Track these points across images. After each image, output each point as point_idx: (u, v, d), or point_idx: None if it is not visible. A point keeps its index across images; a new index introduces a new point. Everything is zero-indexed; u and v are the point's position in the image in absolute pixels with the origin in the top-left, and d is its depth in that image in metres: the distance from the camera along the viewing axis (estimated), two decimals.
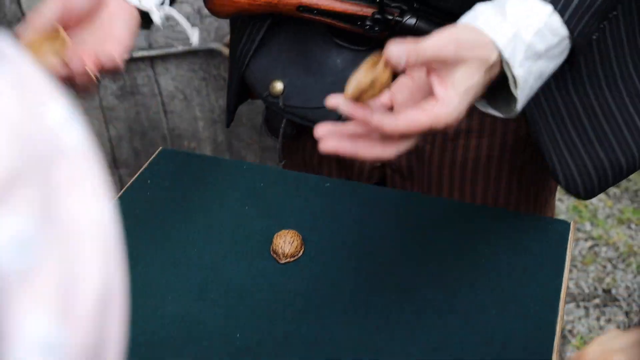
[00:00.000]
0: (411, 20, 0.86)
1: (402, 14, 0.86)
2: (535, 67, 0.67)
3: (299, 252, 0.86)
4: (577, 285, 1.94)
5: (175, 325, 0.79)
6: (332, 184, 0.97)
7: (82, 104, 1.82)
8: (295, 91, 0.95)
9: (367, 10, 0.86)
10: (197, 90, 1.80)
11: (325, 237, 0.89)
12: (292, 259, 0.85)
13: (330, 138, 0.64)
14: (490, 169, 0.97)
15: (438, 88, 0.63)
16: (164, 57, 1.75)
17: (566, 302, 1.86)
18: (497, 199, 0.99)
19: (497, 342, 0.75)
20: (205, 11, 1.67)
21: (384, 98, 0.67)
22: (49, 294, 0.23)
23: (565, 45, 0.69)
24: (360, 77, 0.64)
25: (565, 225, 0.88)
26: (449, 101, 0.63)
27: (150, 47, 1.73)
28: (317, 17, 0.88)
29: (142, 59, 1.75)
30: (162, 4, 0.89)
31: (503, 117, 0.72)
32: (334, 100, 0.65)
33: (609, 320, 1.84)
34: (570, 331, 1.82)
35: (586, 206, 2.15)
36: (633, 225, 2.10)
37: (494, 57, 0.65)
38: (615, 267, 1.98)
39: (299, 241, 0.86)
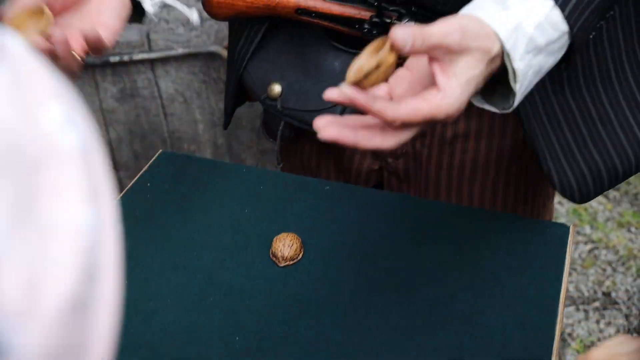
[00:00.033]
0: (409, 24, 0.86)
1: (399, 18, 0.86)
2: (535, 61, 0.67)
3: (298, 255, 0.86)
4: (577, 289, 1.94)
5: (174, 328, 0.79)
6: (332, 187, 0.97)
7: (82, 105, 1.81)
8: (293, 94, 0.95)
9: (365, 14, 0.86)
10: (197, 93, 1.80)
11: (325, 240, 0.89)
12: (291, 262, 0.85)
13: (330, 127, 0.63)
14: (487, 172, 0.97)
15: (440, 77, 0.63)
16: (164, 60, 1.75)
17: (566, 305, 1.86)
18: (495, 202, 0.99)
19: (496, 345, 0.75)
20: (205, 14, 1.68)
21: (382, 90, 0.66)
22: (11, 290, 0.22)
23: (565, 41, 0.68)
24: (363, 61, 0.62)
25: (564, 229, 0.88)
26: (451, 91, 0.62)
27: (150, 49, 1.73)
28: (315, 20, 0.88)
29: (142, 62, 1.75)
30: None
31: (498, 112, 0.72)
32: (334, 91, 0.63)
33: (608, 324, 1.84)
34: (569, 334, 1.82)
35: (586, 209, 2.15)
36: (633, 229, 2.10)
37: (496, 48, 0.64)
38: (615, 270, 1.98)
39: (298, 244, 0.86)
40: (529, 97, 0.79)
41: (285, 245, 0.85)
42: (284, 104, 0.95)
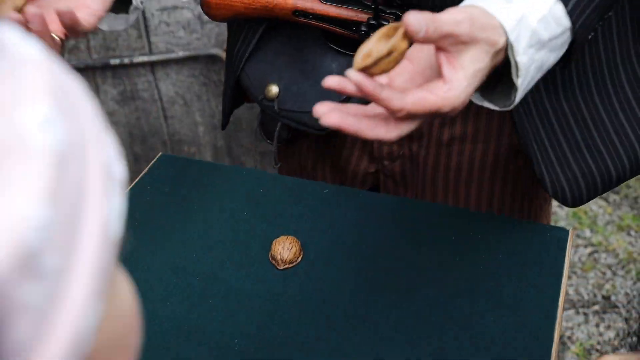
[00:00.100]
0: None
1: (396, 20, 0.86)
2: (537, 56, 0.66)
3: (298, 258, 0.86)
4: (577, 292, 1.94)
5: (173, 331, 0.79)
6: (331, 190, 0.97)
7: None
8: (290, 95, 0.95)
9: (362, 16, 0.86)
10: (198, 95, 1.80)
11: (324, 243, 0.89)
12: (290, 265, 0.85)
13: (332, 113, 0.62)
14: (484, 175, 0.97)
15: (447, 69, 0.62)
16: (164, 63, 1.75)
17: (566, 309, 1.86)
18: (491, 205, 0.99)
19: (495, 349, 0.75)
20: (206, 17, 1.68)
21: (382, 81, 0.65)
22: None
23: (567, 37, 0.68)
24: (373, 46, 0.60)
25: (564, 233, 0.88)
26: (458, 83, 0.62)
27: (150, 52, 1.73)
28: (312, 22, 0.88)
29: (142, 64, 1.75)
30: None
31: (498, 110, 0.71)
32: (334, 79, 0.62)
33: (608, 327, 1.84)
34: (569, 338, 1.82)
35: (586, 212, 2.15)
36: (633, 232, 2.10)
37: (502, 41, 0.64)
38: (614, 273, 1.98)
39: (297, 247, 0.86)
40: (522, 100, 0.79)
41: (285, 248, 0.85)
42: (281, 105, 0.95)
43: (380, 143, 0.98)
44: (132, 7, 0.91)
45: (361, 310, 0.80)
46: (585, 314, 1.88)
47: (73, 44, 1.74)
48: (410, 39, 0.60)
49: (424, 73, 0.66)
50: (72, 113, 0.28)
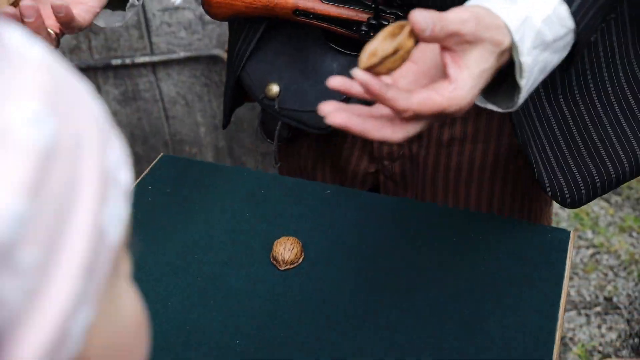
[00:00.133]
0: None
1: (397, 20, 0.86)
2: (541, 57, 0.66)
3: (299, 259, 0.86)
4: (579, 293, 1.93)
5: (174, 332, 0.79)
6: (332, 191, 0.97)
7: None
8: (290, 94, 0.95)
9: (363, 16, 0.87)
10: (199, 96, 1.80)
11: (325, 244, 0.89)
12: (292, 266, 0.85)
13: (338, 112, 0.61)
14: (484, 175, 0.97)
15: (452, 69, 0.61)
16: (166, 63, 1.75)
17: (567, 310, 1.86)
18: (491, 205, 0.99)
19: (496, 350, 0.75)
20: (207, 18, 1.68)
21: (387, 81, 0.64)
22: None
23: (570, 39, 0.68)
24: (379, 45, 0.59)
25: (565, 234, 0.87)
26: (463, 83, 0.61)
27: (152, 52, 1.73)
28: (313, 22, 0.89)
29: (144, 65, 1.75)
30: None
31: (501, 112, 0.71)
32: (337, 79, 0.61)
33: (610, 329, 1.84)
34: (571, 339, 1.82)
35: (588, 214, 2.15)
36: (634, 234, 2.09)
37: (507, 41, 0.63)
38: (616, 275, 1.98)
39: (298, 248, 0.86)
40: (535, 88, 0.78)
41: (286, 249, 0.85)
42: (282, 104, 0.95)
43: (382, 143, 0.98)
44: (128, 4, 0.91)
45: (362, 311, 0.80)
46: (587, 315, 1.88)
47: (75, 44, 1.74)
48: (417, 38, 0.59)
49: (428, 73, 0.65)
50: (69, 113, 0.28)
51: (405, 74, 0.65)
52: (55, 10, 0.76)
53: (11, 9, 0.74)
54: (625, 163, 0.88)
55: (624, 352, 1.79)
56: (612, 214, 2.15)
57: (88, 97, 0.30)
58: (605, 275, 1.98)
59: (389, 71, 0.60)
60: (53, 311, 0.26)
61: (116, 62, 1.73)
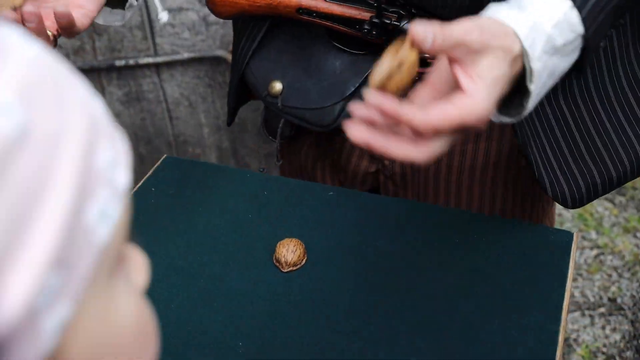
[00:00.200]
0: (408, 26, 0.86)
1: (399, 19, 0.86)
2: (550, 62, 0.65)
3: (302, 260, 0.86)
4: (583, 294, 1.93)
5: (177, 333, 0.79)
6: (335, 192, 0.97)
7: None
8: (293, 92, 0.96)
9: (365, 14, 0.87)
10: (203, 97, 1.80)
11: (328, 245, 0.89)
12: (294, 268, 0.85)
13: (360, 129, 0.60)
14: (486, 176, 0.97)
15: (464, 80, 0.60)
16: (170, 64, 1.75)
17: (571, 311, 1.86)
18: (494, 205, 0.99)
19: (500, 352, 0.75)
20: (211, 19, 1.68)
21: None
22: None
23: (578, 44, 0.67)
24: (384, 62, 0.60)
25: (568, 236, 0.87)
26: (477, 93, 0.60)
27: (156, 53, 1.73)
28: (316, 20, 0.89)
29: (147, 66, 1.75)
30: None
31: (513, 121, 0.70)
32: (357, 106, 0.60)
33: (614, 330, 1.84)
34: (575, 340, 1.82)
35: (592, 214, 2.15)
36: (639, 234, 2.09)
37: (517, 47, 0.62)
38: (620, 275, 1.97)
39: (301, 250, 0.86)
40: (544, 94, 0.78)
41: (289, 251, 0.85)
42: (285, 101, 0.96)
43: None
44: (127, 4, 0.91)
45: (365, 313, 0.80)
46: (591, 316, 1.87)
47: (79, 46, 1.75)
48: (419, 50, 0.59)
49: (445, 93, 0.64)
50: (50, 109, 0.28)
51: (422, 95, 0.65)
52: (58, 16, 0.77)
53: (12, 14, 0.74)
54: (626, 162, 0.88)
55: (628, 354, 1.78)
56: (616, 214, 2.15)
57: (83, 96, 0.30)
58: (610, 276, 1.97)
59: (399, 89, 0.60)
60: (12, 301, 0.26)
61: (120, 63, 1.73)
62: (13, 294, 0.26)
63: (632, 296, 1.91)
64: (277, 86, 0.96)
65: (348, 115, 0.94)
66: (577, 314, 1.88)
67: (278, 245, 0.87)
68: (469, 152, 0.95)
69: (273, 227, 0.92)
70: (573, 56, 0.68)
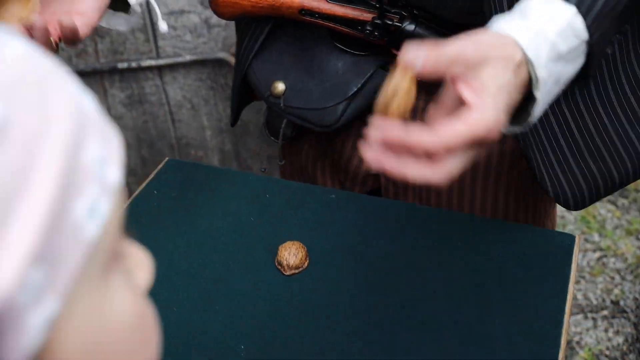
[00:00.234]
0: (410, 26, 0.87)
1: (401, 20, 0.87)
2: (555, 69, 0.65)
3: (304, 263, 0.86)
4: (585, 297, 1.93)
5: (179, 336, 0.79)
6: (337, 195, 0.97)
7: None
8: (296, 92, 0.96)
9: (367, 16, 0.87)
10: (205, 99, 1.80)
11: (330, 248, 0.89)
12: (296, 271, 0.85)
13: (375, 152, 0.60)
14: (488, 177, 0.97)
15: (467, 94, 0.60)
16: (172, 67, 1.75)
17: (574, 314, 1.85)
18: (496, 207, 0.99)
19: (501, 355, 0.75)
20: (213, 21, 1.68)
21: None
22: None
23: (582, 50, 0.67)
24: (384, 90, 0.60)
25: (570, 239, 0.87)
26: (482, 105, 0.59)
27: (158, 56, 1.73)
28: (318, 21, 0.89)
29: (150, 68, 1.75)
30: None
31: (522, 131, 0.70)
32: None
33: (617, 332, 1.83)
34: (577, 343, 1.81)
35: (594, 217, 2.14)
36: None
37: (518, 55, 0.62)
38: (623, 278, 1.97)
39: (303, 253, 0.86)
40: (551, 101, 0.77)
41: (291, 254, 0.85)
42: (287, 102, 0.96)
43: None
44: (131, 9, 0.91)
45: (367, 315, 0.80)
46: (593, 319, 1.87)
47: (81, 48, 1.75)
48: (413, 72, 0.60)
49: (456, 110, 0.64)
50: (31, 105, 0.28)
51: (435, 115, 0.64)
52: (63, 29, 0.76)
53: (20, 27, 0.74)
54: (628, 164, 0.88)
55: (631, 356, 1.78)
56: (619, 216, 2.14)
57: (71, 94, 0.30)
58: (612, 278, 1.97)
59: (400, 114, 0.60)
60: None
61: (122, 65, 1.74)
62: None
63: (635, 299, 1.91)
64: (280, 87, 0.96)
65: (350, 116, 0.95)
66: (579, 316, 1.88)
67: (280, 248, 0.87)
68: None
69: (275, 230, 0.92)
70: (578, 62, 0.68)
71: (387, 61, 0.94)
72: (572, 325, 1.84)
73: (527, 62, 0.63)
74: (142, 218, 0.95)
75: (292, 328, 0.79)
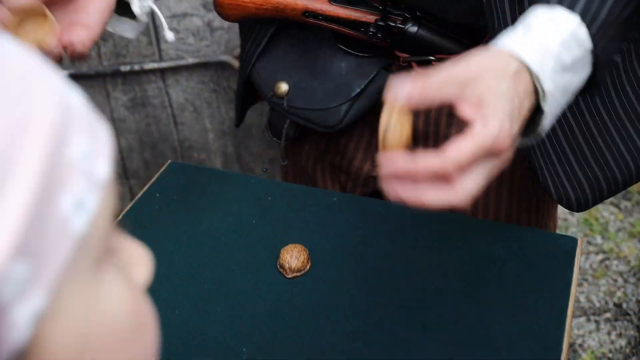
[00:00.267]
0: (413, 28, 0.87)
1: (404, 22, 0.87)
2: (561, 80, 0.64)
3: (306, 266, 0.86)
4: (588, 299, 1.92)
5: (181, 339, 0.79)
6: (339, 198, 0.97)
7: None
8: (299, 93, 0.97)
9: (370, 18, 0.88)
10: (208, 102, 1.81)
11: (332, 251, 0.89)
12: (298, 274, 0.85)
13: (393, 181, 0.59)
14: (491, 180, 0.97)
15: (468, 111, 0.59)
16: (175, 69, 1.76)
17: (577, 316, 1.85)
18: (499, 208, 0.99)
19: (503, 358, 0.75)
20: (215, 24, 1.69)
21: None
22: None
23: (588, 59, 0.66)
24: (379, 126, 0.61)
25: (573, 242, 0.87)
26: (483, 116, 0.59)
27: (161, 59, 1.74)
28: (322, 23, 0.90)
29: (152, 71, 1.76)
30: None
31: (530, 143, 0.69)
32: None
33: (620, 335, 1.83)
34: (580, 345, 1.81)
35: (597, 219, 2.14)
36: None
37: (513, 65, 0.62)
38: (626, 281, 1.97)
39: (305, 256, 0.86)
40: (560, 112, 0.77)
41: (293, 257, 0.85)
42: (291, 102, 0.97)
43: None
44: (137, 17, 0.91)
45: (369, 318, 0.80)
46: (596, 322, 1.87)
47: None
48: (400, 105, 0.60)
49: None
50: (11, 101, 0.28)
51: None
52: (70, 48, 0.76)
53: (39, 49, 0.74)
54: (631, 165, 0.88)
55: (634, 359, 1.78)
56: (621, 219, 2.14)
57: (55, 90, 0.30)
58: (615, 281, 1.97)
59: (399, 145, 0.60)
60: None
61: (125, 68, 1.74)
62: None
63: (638, 301, 1.91)
64: (283, 87, 0.97)
65: (353, 117, 0.95)
66: (582, 319, 1.87)
67: (282, 251, 0.87)
68: None
69: (276, 233, 0.92)
70: (585, 71, 0.67)
71: (390, 62, 0.94)
72: (574, 328, 1.84)
73: (530, 73, 0.63)
74: (144, 221, 0.96)
75: (293, 331, 0.79)
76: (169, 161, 1.07)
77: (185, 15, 1.67)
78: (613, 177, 0.88)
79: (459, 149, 0.58)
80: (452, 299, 0.81)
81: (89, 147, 0.30)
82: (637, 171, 0.89)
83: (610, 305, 1.91)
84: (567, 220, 2.14)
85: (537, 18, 0.65)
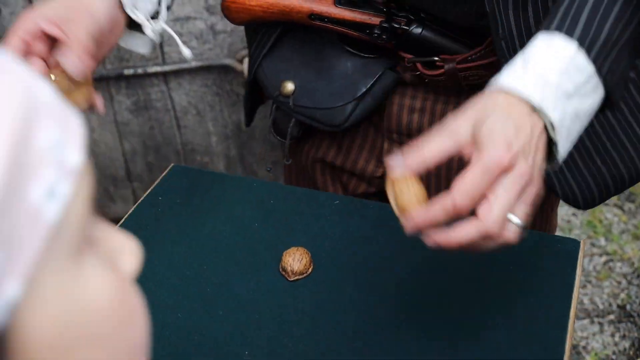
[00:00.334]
0: (417, 30, 0.88)
1: (408, 23, 0.88)
2: (569, 106, 0.65)
3: (308, 269, 0.86)
4: (592, 301, 1.92)
5: (183, 342, 0.79)
6: (342, 201, 0.97)
7: (97, 118, 1.84)
8: (305, 92, 0.98)
9: (375, 20, 0.89)
10: (211, 105, 1.81)
11: (334, 254, 0.89)
12: (300, 277, 0.86)
13: (430, 235, 0.62)
14: None
15: (466, 152, 0.63)
16: (178, 73, 1.76)
17: (580, 318, 1.85)
18: None
19: None
20: (218, 28, 1.69)
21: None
22: None
23: (595, 82, 0.66)
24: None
25: (575, 244, 0.87)
26: (484, 144, 0.61)
27: (164, 62, 1.74)
28: (327, 25, 0.91)
29: (155, 75, 1.76)
30: (156, 17, 0.88)
31: (550, 169, 0.70)
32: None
33: (623, 337, 1.83)
34: (584, 347, 1.81)
35: (601, 221, 2.14)
36: None
37: (513, 98, 0.64)
38: (630, 282, 1.96)
39: (307, 259, 0.86)
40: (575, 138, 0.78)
41: (295, 260, 0.86)
42: (296, 101, 0.97)
43: (391, 146, 0.99)
44: (150, 31, 0.91)
45: (371, 321, 0.80)
46: (600, 324, 1.86)
47: None
48: (401, 176, 0.64)
49: None
50: None
51: None
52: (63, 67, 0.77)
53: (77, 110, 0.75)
54: (637, 161, 0.88)
55: None
56: (625, 221, 2.14)
57: (19, 81, 0.30)
58: (619, 283, 1.96)
59: (414, 205, 0.63)
60: None
61: (128, 72, 1.74)
62: None
63: None
64: (289, 86, 0.98)
65: (359, 116, 0.96)
66: (586, 321, 1.87)
67: (284, 254, 0.87)
68: None
69: (279, 235, 0.92)
70: (597, 93, 0.67)
71: (395, 63, 0.95)
72: (578, 330, 1.84)
73: (538, 110, 0.64)
74: (147, 223, 0.96)
75: (296, 334, 0.79)
76: (172, 164, 1.08)
77: (188, 18, 1.68)
78: (619, 174, 0.89)
79: (461, 180, 0.60)
80: (454, 301, 0.81)
81: (58, 136, 0.30)
82: None
83: (614, 307, 1.90)
84: (570, 222, 2.14)
85: (535, 48, 0.66)
